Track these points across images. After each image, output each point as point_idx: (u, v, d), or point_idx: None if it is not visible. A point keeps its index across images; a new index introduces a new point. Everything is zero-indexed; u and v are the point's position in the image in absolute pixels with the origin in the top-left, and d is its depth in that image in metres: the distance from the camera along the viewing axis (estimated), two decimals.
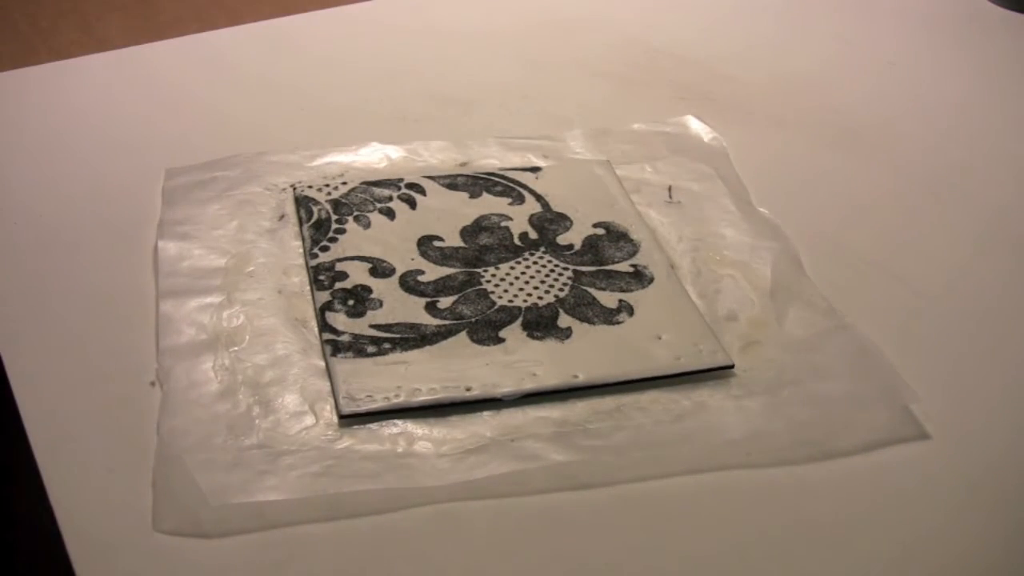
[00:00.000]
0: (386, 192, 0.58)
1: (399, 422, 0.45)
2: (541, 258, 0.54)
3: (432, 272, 0.53)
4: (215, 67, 0.72)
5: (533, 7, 0.82)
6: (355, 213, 0.57)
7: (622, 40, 0.78)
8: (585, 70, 0.74)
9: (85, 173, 0.61)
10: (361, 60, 0.74)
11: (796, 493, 0.44)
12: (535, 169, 0.61)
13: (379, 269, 0.53)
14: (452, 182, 0.60)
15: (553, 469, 0.44)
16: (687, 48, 0.76)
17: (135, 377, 0.47)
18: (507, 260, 0.54)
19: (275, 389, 0.46)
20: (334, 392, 0.46)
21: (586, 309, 0.51)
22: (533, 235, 0.56)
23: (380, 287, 0.52)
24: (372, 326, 0.50)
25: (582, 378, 0.47)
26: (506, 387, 0.47)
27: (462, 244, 0.55)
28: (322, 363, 0.48)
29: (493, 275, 0.53)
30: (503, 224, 0.57)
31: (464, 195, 0.59)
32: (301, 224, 0.56)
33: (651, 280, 0.53)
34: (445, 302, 0.51)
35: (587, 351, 0.49)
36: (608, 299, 0.52)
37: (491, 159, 0.63)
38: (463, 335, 0.49)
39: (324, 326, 0.49)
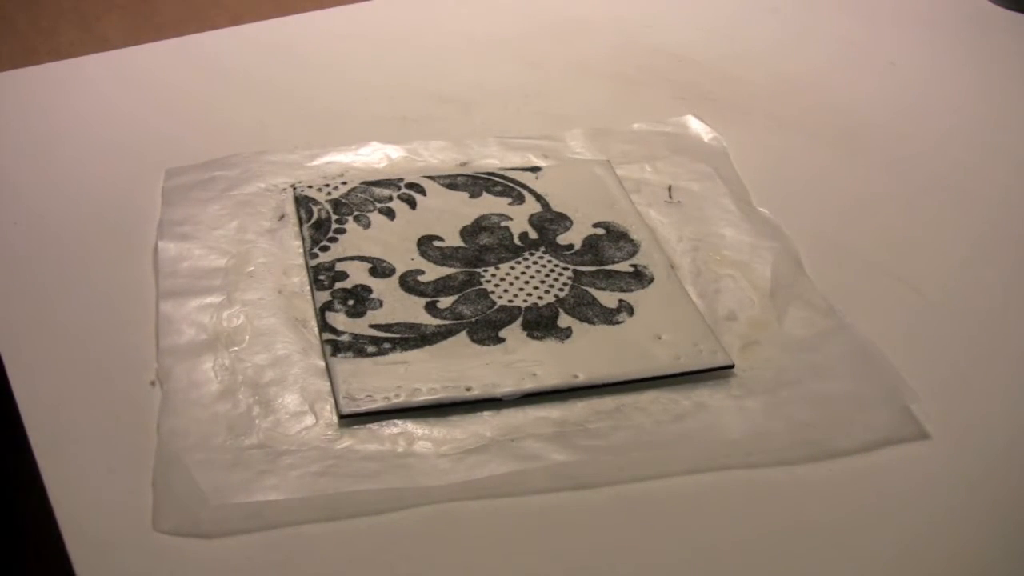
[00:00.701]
0: (386, 192, 0.58)
1: (399, 422, 0.45)
2: (541, 258, 0.54)
3: (432, 272, 0.53)
4: (215, 67, 0.72)
5: (533, 7, 0.82)
6: (355, 213, 0.57)
7: (622, 40, 0.78)
8: (585, 70, 0.74)
9: (85, 173, 0.61)
10: (361, 60, 0.74)
11: (796, 493, 0.44)
12: (535, 169, 0.61)
13: (379, 269, 0.53)
14: (452, 182, 0.60)
15: (553, 469, 0.44)
16: (687, 48, 0.76)
17: (135, 377, 0.47)
18: (507, 260, 0.54)
19: (275, 389, 0.46)
20: (334, 392, 0.46)
21: (586, 309, 0.51)
22: (533, 235, 0.56)
23: (380, 287, 0.52)
24: (372, 326, 0.49)
25: (582, 378, 0.47)
26: (506, 387, 0.47)
27: (462, 244, 0.55)
28: (322, 363, 0.48)
29: (493, 275, 0.53)
30: (503, 224, 0.57)
31: (464, 195, 0.59)
32: (301, 224, 0.56)
33: (651, 280, 0.53)
34: (445, 302, 0.51)
35: (587, 351, 0.49)
36: (608, 299, 0.52)
37: (491, 159, 0.62)
38: (463, 335, 0.49)
39: (324, 326, 0.49)
